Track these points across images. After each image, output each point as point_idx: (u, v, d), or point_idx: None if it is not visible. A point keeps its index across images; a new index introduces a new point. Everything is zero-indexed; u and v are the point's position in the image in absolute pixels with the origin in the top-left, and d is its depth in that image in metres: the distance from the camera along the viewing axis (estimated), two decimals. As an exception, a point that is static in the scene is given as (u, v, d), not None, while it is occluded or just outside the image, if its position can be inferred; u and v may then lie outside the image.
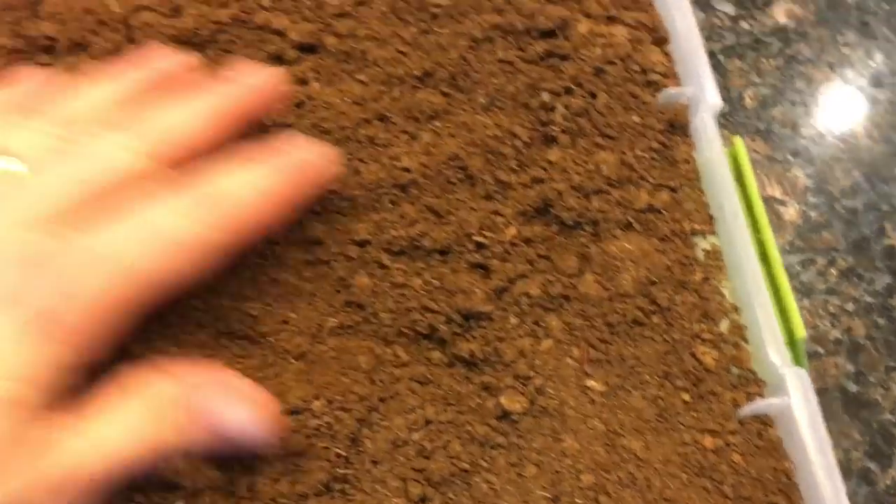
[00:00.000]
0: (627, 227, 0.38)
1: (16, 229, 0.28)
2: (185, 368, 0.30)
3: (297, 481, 0.32)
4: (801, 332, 0.37)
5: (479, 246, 0.37)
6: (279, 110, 0.39)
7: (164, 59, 0.36)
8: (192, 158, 0.32)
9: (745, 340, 0.36)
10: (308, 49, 0.42)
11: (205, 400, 0.29)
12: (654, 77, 0.41)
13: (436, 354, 0.35)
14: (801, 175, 0.54)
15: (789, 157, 0.55)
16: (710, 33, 0.57)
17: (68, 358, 0.27)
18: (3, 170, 0.30)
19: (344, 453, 0.33)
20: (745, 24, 0.61)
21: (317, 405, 0.33)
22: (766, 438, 0.34)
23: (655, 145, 0.40)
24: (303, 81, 0.40)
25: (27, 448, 0.26)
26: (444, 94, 0.41)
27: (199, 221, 0.30)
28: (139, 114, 0.33)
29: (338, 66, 0.41)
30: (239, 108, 0.34)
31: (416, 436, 0.33)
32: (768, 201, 0.53)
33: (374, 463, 0.33)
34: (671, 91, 0.41)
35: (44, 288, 0.27)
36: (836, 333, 0.49)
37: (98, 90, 0.34)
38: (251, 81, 0.35)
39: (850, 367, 0.48)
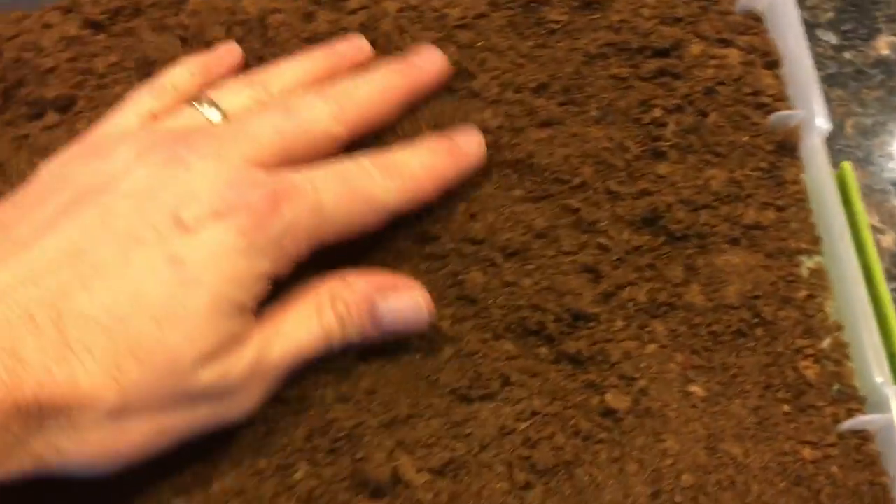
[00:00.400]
0: (734, 241, 0.39)
1: (225, 160, 0.32)
2: (350, 272, 0.35)
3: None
4: (903, 353, 0.37)
5: (602, 248, 0.38)
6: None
7: (345, 43, 0.41)
8: (372, 128, 0.37)
9: (848, 358, 0.37)
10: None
11: (363, 294, 0.34)
12: (765, 99, 0.42)
13: (543, 350, 0.37)
14: (899, 205, 0.54)
15: (888, 187, 0.55)
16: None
17: (269, 268, 0.31)
18: (205, 118, 0.36)
19: (453, 437, 0.34)
20: (847, 55, 0.61)
21: None
22: (865, 452, 0.35)
23: (764, 165, 0.41)
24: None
25: (239, 342, 0.30)
26: (559, 105, 0.43)
27: (384, 184, 0.34)
28: (332, 86, 0.37)
29: (456, 75, 0.43)
30: (413, 85, 0.39)
31: (522, 425, 0.35)
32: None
33: (483, 448, 0.34)
34: (782, 114, 0.42)
35: (256, 204, 0.30)
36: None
37: (296, 64, 0.39)
38: (422, 62, 0.40)
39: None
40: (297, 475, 0.33)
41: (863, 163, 0.56)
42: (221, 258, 0.29)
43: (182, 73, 0.39)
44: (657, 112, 0.42)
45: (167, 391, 0.28)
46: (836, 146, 0.57)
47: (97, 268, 0.28)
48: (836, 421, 0.36)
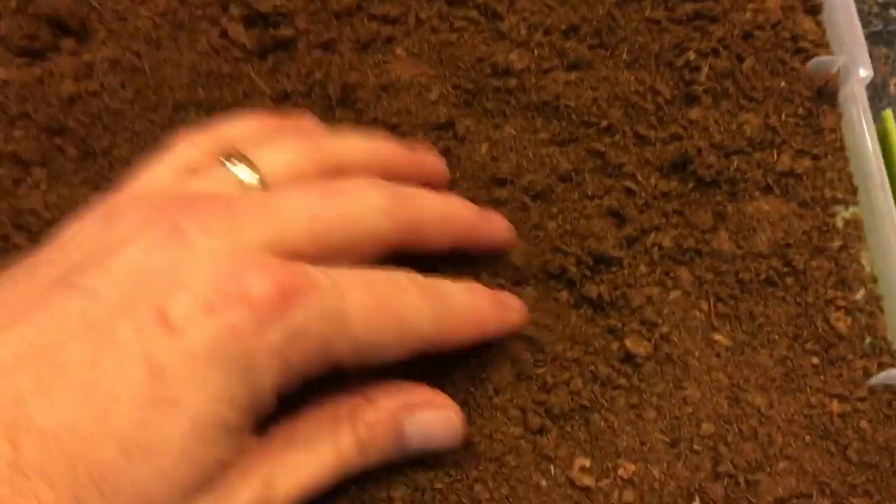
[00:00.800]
0: (766, 189, 0.38)
1: (238, 240, 0.26)
2: (374, 388, 0.30)
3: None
4: (941, 308, 0.35)
5: (628, 192, 0.37)
6: None
7: (430, 156, 0.37)
8: (423, 247, 0.32)
9: (882, 311, 0.36)
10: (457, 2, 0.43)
11: (388, 414, 0.29)
12: (805, 45, 0.41)
13: (563, 295, 0.36)
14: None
15: (933, 148, 0.53)
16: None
17: (270, 384, 0.25)
18: (237, 179, 0.29)
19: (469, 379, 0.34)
20: (894, 12, 0.59)
21: None
22: (896, 408, 0.34)
23: (801, 112, 0.39)
24: (458, 29, 0.42)
25: (229, 470, 0.25)
26: (589, 48, 0.41)
27: (419, 306, 0.29)
28: (396, 185, 0.31)
29: (484, 18, 0.42)
30: (478, 235, 0.34)
31: (540, 370, 0.34)
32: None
33: (497, 391, 0.34)
34: (821, 59, 0.40)
35: (258, 298, 0.25)
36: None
37: (368, 146, 0.33)
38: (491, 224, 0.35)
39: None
40: None
41: (907, 122, 0.54)
42: (208, 368, 0.24)
43: (238, 126, 0.33)
44: (691, 55, 0.40)
45: None
46: (879, 105, 0.54)
47: (62, 370, 0.23)
48: (867, 374, 0.34)
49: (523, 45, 0.41)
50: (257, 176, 0.30)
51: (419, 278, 0.30)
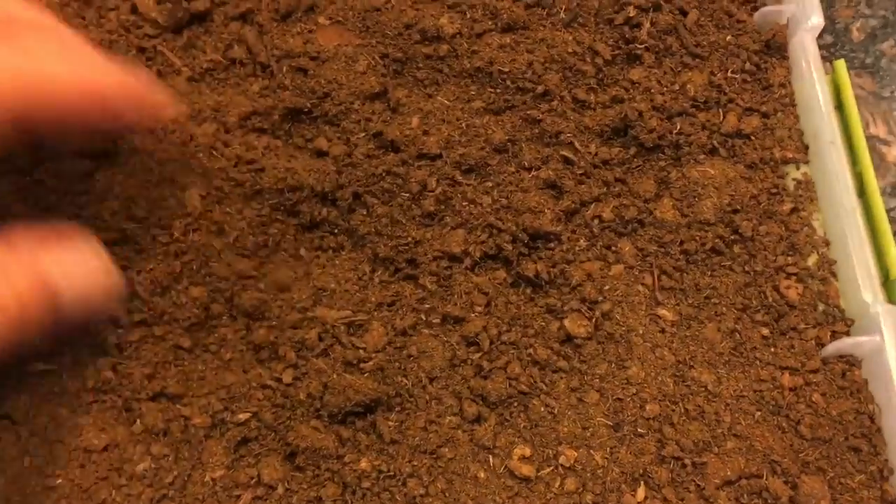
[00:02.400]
0: (712, 151, 0.36)
1: None
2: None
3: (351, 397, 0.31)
4: (897, 270, 0.34)
5: (567, 161, 0.35)
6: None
7: None
8: None
9: (835, 276, 0.34)
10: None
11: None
12: (752, -6, 0.38)
13: (500, 274, 0.34)
14: (909, 115, 0.50)
15: (897, 95, 0.51)
16: (817, -39, 0.53)
17: None
18: None
19: (402, 370, 0.32)
20: (856, -47, 0.56)
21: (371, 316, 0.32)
22: (851, 379, 0.32)
23: (749, 67, 0.37)
24: None
25: None
26: (525, 8, 0.39)
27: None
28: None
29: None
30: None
31: (476, 355, 0.32)
32: (871, 140, 0.49)
33: (431, 380, 0.32)
34: (769, 9, 0.38)
35: None
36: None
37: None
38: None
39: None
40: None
41: (870, 69, 0.51)
42: None
43: None
44: (631, 11, 0.38)
45: None
46: (841, 52, 0.52)
47: None
48: (820, 345, 0.33)
49: (454, 7, 0.39)
50: None
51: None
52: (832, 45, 0.52)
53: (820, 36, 0.51)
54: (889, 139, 0.49)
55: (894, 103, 0.50)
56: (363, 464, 0.30)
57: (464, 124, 0.36)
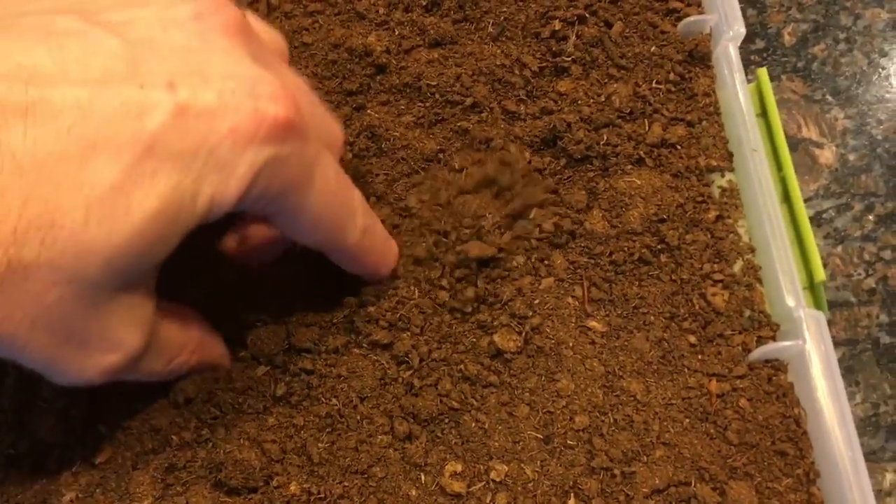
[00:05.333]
0: (638, 162, 0.36)
1: (256, 51, 0.27)
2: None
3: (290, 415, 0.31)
4: (820, 274, 0.34)
5: (502, 161, 0.35)
6: None
7: None
8: None
9: (760, 282, 0.34)
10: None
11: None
12: (675, 4, 0.39)
13: (441, 294, 0.34)
14: (840, 116, 0.51)
15: (828, 98, 0.51)
16: (749, -34, 0.54)
17: (234, 193, 0.25)
18: None
19: (332, 390, 0.32)
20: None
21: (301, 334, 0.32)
22: (777, 384, 0.32)
23: (673, 77, 0.37)
24: (312, 13, 0.39)
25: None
26: (453, 23, 0.39)
27: (360, 219, 0.30)
28: None
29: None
30: None
31: (406, 373, 0.32)
32: (803, 143, 0.50)
33: (361, 399, 0.32)
34: (692, 19, 0.38)
35: (272, 96, 0.25)
36: (870, 282, 0.47)
37: None
38: None
39: (885, 318, 0.46)
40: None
41: (802, 73, 0.52)
42: (194, 155, 0.23)
43: None
44: (557, 25, 0.38)
45: None
46: (773, 56, 0.53)
47: (53, 106, 0.22)
48: (747, 350, 0.33)
49: (382, 24, 0.39)
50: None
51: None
52: (764, 49, 0.53)
53: (752, 41, 0.52)
54: (821, 141, 0.50)
55: (826, 106, 0.51)
56: (293, 487, 0.30)
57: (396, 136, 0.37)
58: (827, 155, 0.49)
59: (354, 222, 0.29)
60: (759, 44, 0.53)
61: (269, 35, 0.30)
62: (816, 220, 0.48)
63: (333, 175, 0.28)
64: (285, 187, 0.26)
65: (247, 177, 0.24)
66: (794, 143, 0.50)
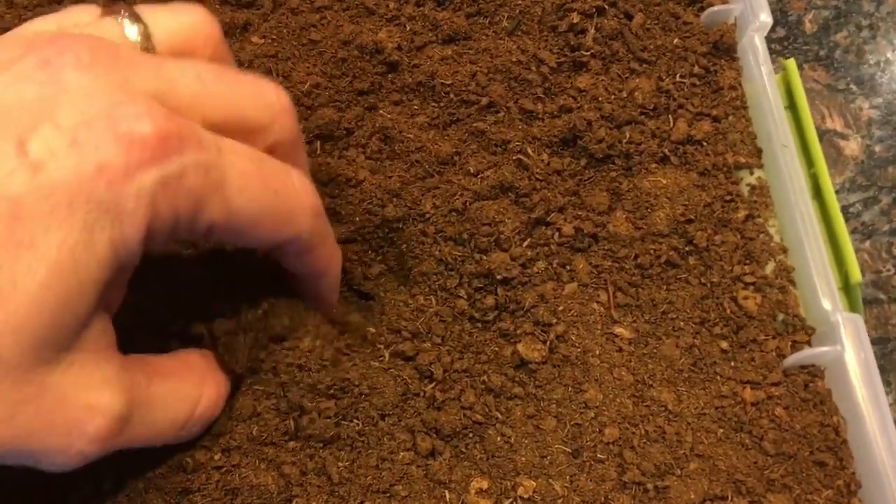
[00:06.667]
0: (663, 160, 0.35)
1: (119, 82, 0.24)
2: None
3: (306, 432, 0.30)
4: (856, 275, 0.33)
5: (519, 164, 0.34)
6: None
7: None
8: None
9: (793, 284, 0.33)
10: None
11: None
12: (698, -6, 0.37)
13: (460, 302, 0.33)
14: (865, 106, 0.49)
15: (853, 87, 0.50)
16: (767, -48, 0.52)
17: (135, 231, 0.23)
18: (122, 33, 0.27)
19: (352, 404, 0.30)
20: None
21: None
22: (814, 391, 0.31)
23: (697, 70, 0.36)
24: (319, 8, 0.38)
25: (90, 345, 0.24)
26: (466, 17, 0.38)
27: (305, 200, 0.28)
28: None
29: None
30: None
31: (427, 386, 0.31)
32: (828, 135, 0.49)
33: (382, 416, 0.30)
34: (716, 9, 0.37)
35: (137, 137, 0.23)
36: (900, 278, 0.45)
37: None
38: None
39: (916, 315, 0.44)
40: None
41: (824, 61, 0.51)
42: (69, 209, 0.21)
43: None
44: (575, 18, 0.37)
45: None
46: (794, 45, 0.51)
47: None
48: (781, 356, 0.32)
49: (393, 20, 0.37)
50: (143, 29, 0.27)
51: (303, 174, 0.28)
52: (785, 38, 0.51)
53: (772, 29, 0.51)
54: (846, 132, 0.49)
55: (850, 95, 0.50)
56: (312, 508, 0.29)
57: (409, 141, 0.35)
58: (852, 146, 0.48)
59: (300, 202, 0.27)
60: (780, 32, 0.51)
61: (174, 23, 0.28)
62: (843, 215, 0.46)
63: (253, 164, 0.25)
64: (198, 201, 0.24)
65: (140, 209, 0.22)
66: (819, 135, 0.48)
